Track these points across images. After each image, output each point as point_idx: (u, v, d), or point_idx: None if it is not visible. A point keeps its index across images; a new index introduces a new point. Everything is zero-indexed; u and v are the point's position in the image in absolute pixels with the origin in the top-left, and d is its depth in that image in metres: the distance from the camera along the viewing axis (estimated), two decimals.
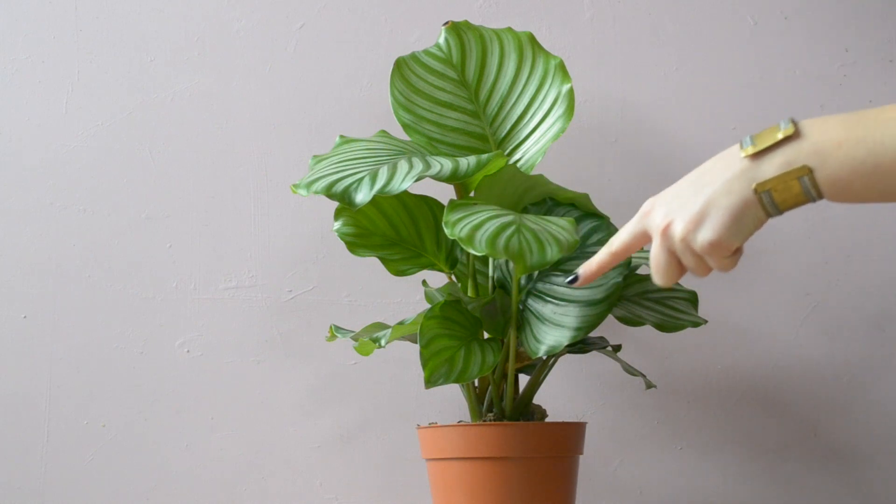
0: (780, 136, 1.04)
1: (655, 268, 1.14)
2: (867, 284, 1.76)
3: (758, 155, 1.06)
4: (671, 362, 1.74)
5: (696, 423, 1.73)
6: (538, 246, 1.29)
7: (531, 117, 1.49)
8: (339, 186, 1.32)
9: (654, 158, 1.76)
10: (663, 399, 1.73)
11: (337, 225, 1.48)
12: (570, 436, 1.43)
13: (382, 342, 1.40)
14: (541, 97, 1.49)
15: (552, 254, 1.28)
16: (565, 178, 1.58)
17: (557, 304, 1.39)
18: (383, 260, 1.49)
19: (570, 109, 1.47)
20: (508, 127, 1.51)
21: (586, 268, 1.20)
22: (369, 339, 1.41)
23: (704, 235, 1.08)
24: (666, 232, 1.11)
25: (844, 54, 1.78)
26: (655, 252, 1.13)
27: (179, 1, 1.74)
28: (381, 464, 1.70)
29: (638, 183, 1.75)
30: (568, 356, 1.66)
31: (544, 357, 1.39)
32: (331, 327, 1.50)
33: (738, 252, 1.11)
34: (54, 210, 1.70)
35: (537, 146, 1.48)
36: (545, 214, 1.44)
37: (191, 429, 1.69)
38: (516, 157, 1.49)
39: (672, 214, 1.10)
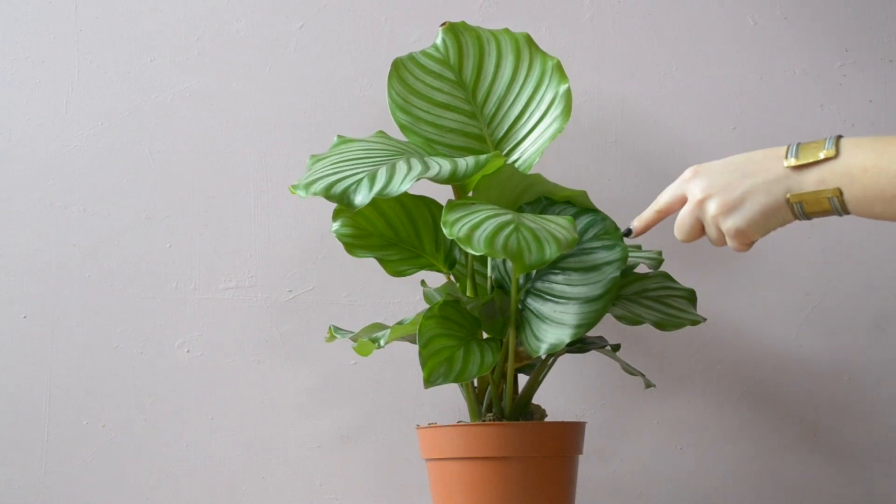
0: (821, 155, 1.14)
1: (679, 226, 1.25)
2: (867, 284, 1.76)
3: (798, 167, 1.16)
4: (670, 362, 1.74)
5: (696, 423, 1.73)
6: (537, 245, 1.28)
7: (528, 118, 1.49)
8: (338, 188, 1.32)
9: (653, 158, 1.76)
10: (663, 399, 1.73)
11: (335, 226, 1.48)
12: (570, 435, 1.43)
13: (381, 342, 1.40)
14: (538, 97, 1.49)
15: (551, 252, 1.28)
16: (565, 177, 1.58)
17: (557, 303, 1.39)
18: (382, 261, 1.49)
19: (567, 109, 1.47)
20: (506, 127, 1.50)
21: (638, 222, 1.32)
22: (368, 339, 1.41)
23: (734, 222, 1.19)
24: (701, 204, 1.21)
25: (844, 54, 1.78)
26: (685, 215, 1.24)
27: (179, 1, 1.74)
28: (381, 464, 1.70)
29: (637, 183, 1.75)
30: (567, 356, 1.66)
31: (545, 356, 1.39)
32: (330, 328, 1.50)
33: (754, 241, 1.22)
34: (54, 210, 1.70)
35: (535, 146, 1.48)
36: (541, 212, 1.44)
37: (191, 429, 1.69)
38: (514, 157, 1.49)
39: (711, 191, 1.20)
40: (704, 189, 1.21)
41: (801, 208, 1.16)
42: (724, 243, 1.23)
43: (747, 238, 1.20)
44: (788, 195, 1.16)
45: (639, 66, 1.77)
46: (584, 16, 1.77)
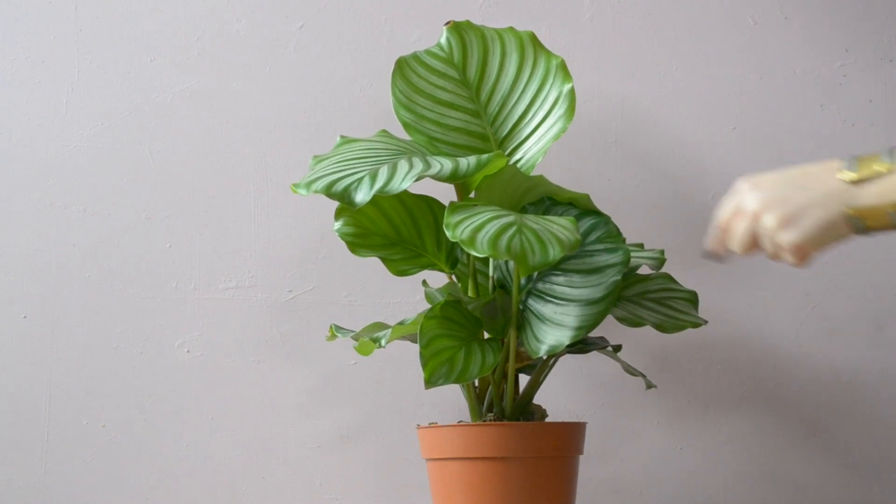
0: (880, 169, 1.12)
1: (735, 239, 1.21)
2: (867, 284, 1.76)
3: (856, 182, 1.13)
4: (671, 362, 1.74)
5: (696, 423, 1.73)
6: (540, 246, 1.28)
7: (532, 117, 1.49)
8: (339, 186, 1.32)
9: (653, 158, 1.76)
10: (663, 399, 1.73)
11: (337, 225, 1.48)
12: (570, 436, 1.43)
13: (382, 342, 1.40)
14: (542, 97, 1.49)
15: (554, 254, 1.28)
16: (565, 177, 1.58)
17: (557, 304, 1.39)
18: (384, 260, 1.49)
19: (570, 109, 1.47)
20: (509, 126, 1.50)
21: (713, 244, 1.26)
22: (369, 339, 1.41)
23: (790, 237, 1.16)
24: (757, 218, 1.18)
25: (844, 54, 1.78)
26: (740, 228, 1.20)
27: (179, 1, 1.74)
28: (381, 464, 1.70)
29: (637, 183, 1.75)
30: (568, 356, 1.66)
31: (545, 357, 1.39)
32: (331, 327, 1.50)
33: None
34: (54, 210, 1.70)
35: (538, 146, 1.48)
36: (544, 213, 1.44)
37: (191, 429, 1.69)
38: (517, 156, 1.49)
39: (767, 205, 1.17)
40: (759, 203, 1.18)
41: (861, 223, 1.14)
42: (780, 258, 1.20)
43: (804, 253, 1.17)
44: (846, 209, 1.14)
45: (639, 66, 1.77)
46: (584, 16, 1.77)
